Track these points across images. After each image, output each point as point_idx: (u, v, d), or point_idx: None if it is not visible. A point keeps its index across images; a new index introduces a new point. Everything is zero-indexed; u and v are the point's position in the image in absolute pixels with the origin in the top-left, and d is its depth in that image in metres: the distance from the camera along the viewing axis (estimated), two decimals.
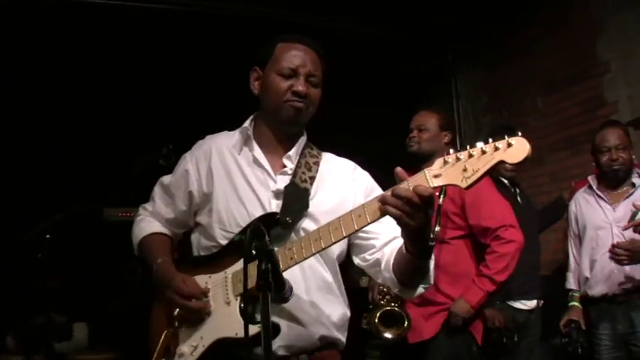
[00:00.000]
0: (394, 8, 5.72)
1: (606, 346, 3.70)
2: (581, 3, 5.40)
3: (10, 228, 3.16)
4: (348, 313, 2.16)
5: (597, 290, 3.72)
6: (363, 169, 2.28)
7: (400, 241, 1.95)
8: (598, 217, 3.77)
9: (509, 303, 4.05)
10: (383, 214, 1.73)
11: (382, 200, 1.71)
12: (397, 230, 1.92)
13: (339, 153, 2.32)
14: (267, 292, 1.61)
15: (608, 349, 3.69)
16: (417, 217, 1.67)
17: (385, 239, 2.06)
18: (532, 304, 4.12)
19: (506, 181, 4.19)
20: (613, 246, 3.61)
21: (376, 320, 3.53)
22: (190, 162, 2.22)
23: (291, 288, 1.83)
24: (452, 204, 3.57)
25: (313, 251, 1.87)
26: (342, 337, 2.12)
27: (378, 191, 2.15)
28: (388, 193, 1.71)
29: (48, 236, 3.05)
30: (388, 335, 3.49)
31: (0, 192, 5.60)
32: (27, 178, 5.76)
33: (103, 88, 5.80)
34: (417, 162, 3.45)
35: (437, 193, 3.38)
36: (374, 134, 6.06)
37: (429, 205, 1.67)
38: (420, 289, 2.00)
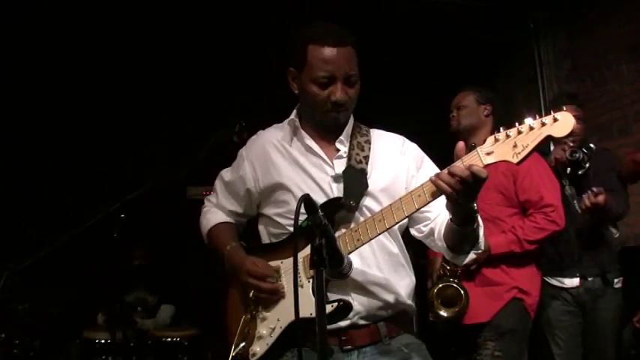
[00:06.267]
0: None
1: None
2: None
3: (85, 208, 3.25)
4: (415, 281, 2.25)
5: None
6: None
7: None
8: None
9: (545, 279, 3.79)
10: (440, 192, 1.81)
11: (437, 176, 1.79)
12: None
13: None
14: (322, 269, 1.61)
15: None
16: (467, 194, 1.76)
17: (438, 211, 2.14)
18: (573, 282, 3.81)
19: None
20: None
21: (434, 296, 3.47)
22: (247, 160, 2.32)
23: (350, 264, 1.89)
24: (505, 181, 3.52)
25: (378, 232, 1.98)
26: (412, 304, 2.22)
27: (427, 161, 2.27)
28: (445, 171, 1.78)
29: (122, 216, 3.13)
30: (444, 314, 3.44)
31: (73, 171, 5.82)
32: (101, 157, 5.94)
33: (179, 64, 5.91)
34: (461, 138, 3.49)
35: None
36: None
37: (481, 184, 1.75)
38: (472, 255, 2.12)
